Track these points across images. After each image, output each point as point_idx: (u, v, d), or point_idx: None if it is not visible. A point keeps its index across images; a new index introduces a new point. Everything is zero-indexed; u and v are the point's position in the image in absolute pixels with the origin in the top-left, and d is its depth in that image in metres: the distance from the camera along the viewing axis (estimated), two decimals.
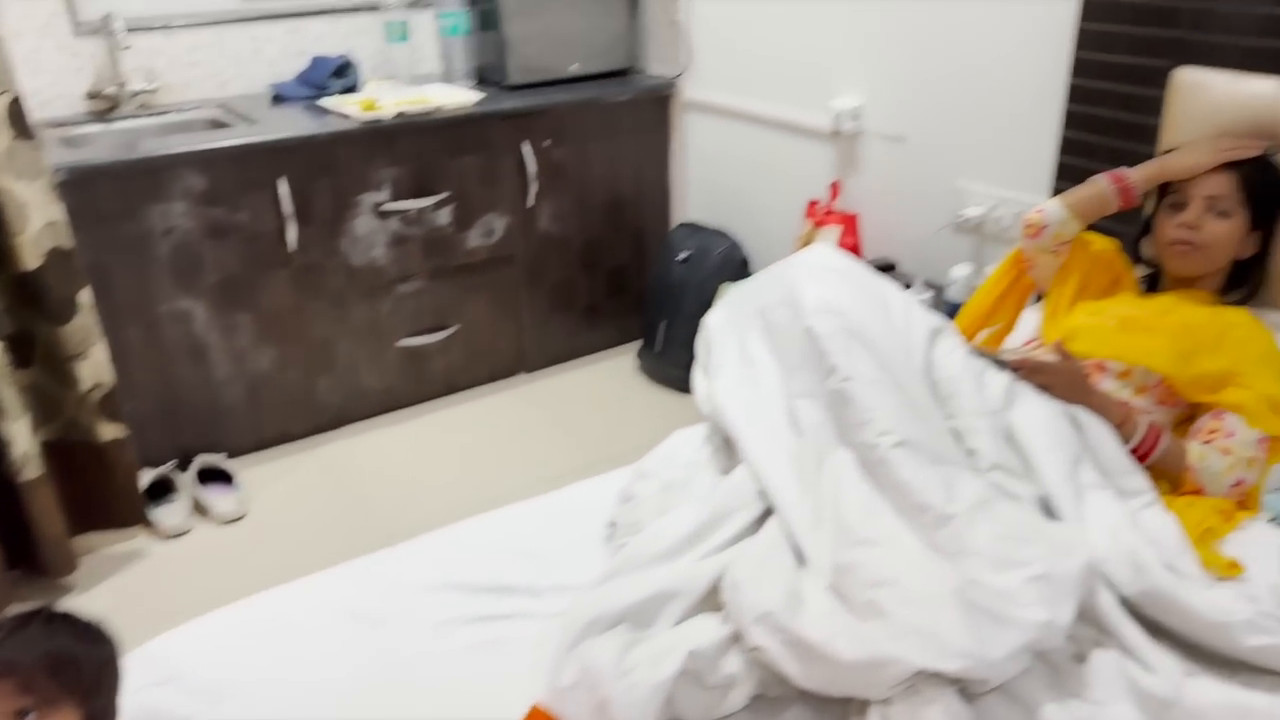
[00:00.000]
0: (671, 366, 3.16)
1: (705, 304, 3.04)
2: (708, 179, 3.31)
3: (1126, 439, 1.60)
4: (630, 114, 3.24)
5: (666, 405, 3.13)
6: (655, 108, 3.30)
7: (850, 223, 2.74)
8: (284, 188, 2.61)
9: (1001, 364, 1.65)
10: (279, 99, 2.97)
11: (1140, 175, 1.81)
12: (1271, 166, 1.75)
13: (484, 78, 3.19)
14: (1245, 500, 1.59)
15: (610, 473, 1.75)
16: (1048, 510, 1.46)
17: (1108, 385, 1.72)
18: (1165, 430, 1.63)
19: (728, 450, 1.65)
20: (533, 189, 3.07)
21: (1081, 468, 1.53)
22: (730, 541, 1.44)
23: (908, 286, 2.36)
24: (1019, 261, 1.98)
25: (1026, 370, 1.64)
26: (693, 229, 3.24)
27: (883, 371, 1.51)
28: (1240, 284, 1.82)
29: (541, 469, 2.78)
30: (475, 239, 3.02)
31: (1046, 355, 1.74)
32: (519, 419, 3.07)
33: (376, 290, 2.89)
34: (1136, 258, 1.93)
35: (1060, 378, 1.63)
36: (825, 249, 1.74)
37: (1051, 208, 1.87)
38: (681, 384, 3.16)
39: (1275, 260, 1.80)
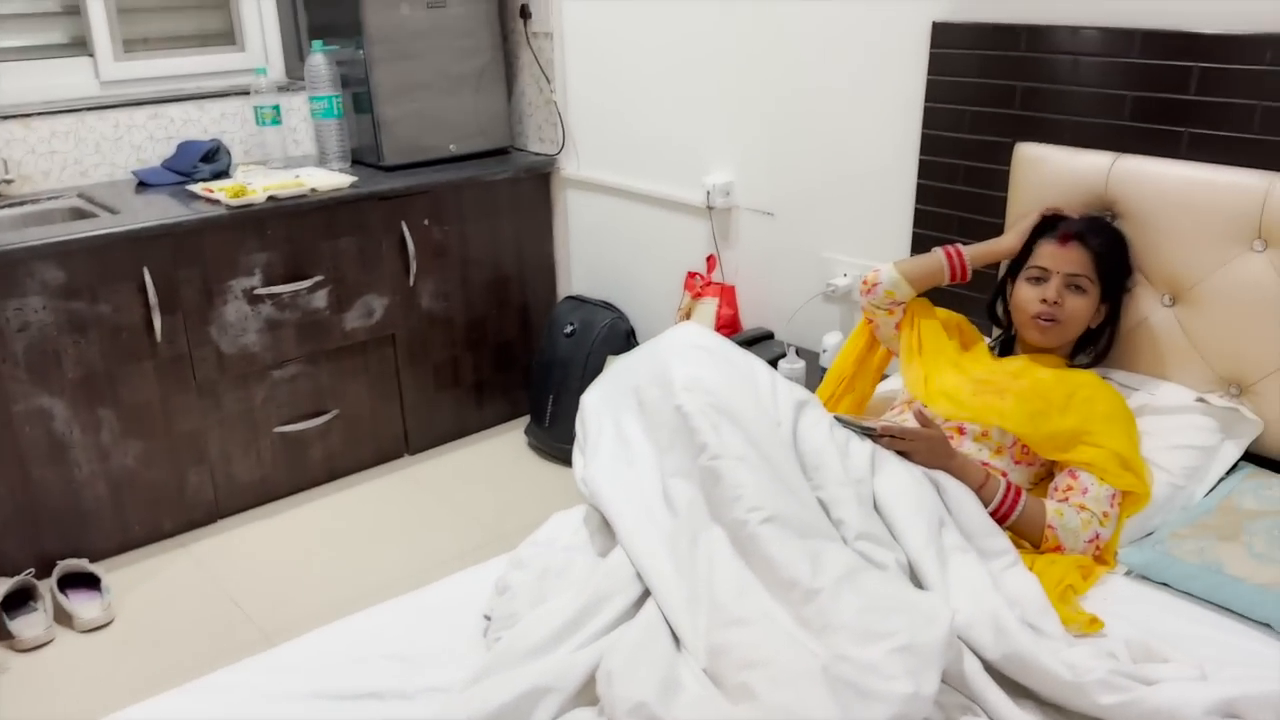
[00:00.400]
0: (561, 441, 3.15)
1: (592, 377, 3.02)
2: (591, 253, 3.35)
3: (987, 501, 1.66)
4: (510, 191, 3.26)
5: (558, 481, 3.11)
6: (535, 185, 3.33)
7: (728, 294, 2.80)
8: (149, 277, 2.53)
9: (865, 432, 1.69)
10: (144, 186, 2.90)
11: (972, 254, 1.95)
12: (1120, 243, 1.86)
13: (360, 159, 3.18)
14: (1102, 555, 1.65)
15: (489, 561, 1.72)
16: (913, 576, 1.49)
17: (968, 447, 1.78)
18: (1024, 491, 1.69)
19: (606, 531, 1.64)
20: (413, 268, 3.05)
21: (945, 531, 1.57)
22: (608, 628, 1.42)
23: (783, 355, 2.41)
24: (869, 327, 2.06)
25: (889, 438, 1.69)
26: (578, 302, 3.26)
27: (751, 447, 1.53)
28: (1086, 347, 1.93)
29: (429, 554, 2.72)
30: (354, 320, 2.98)
31: (908, 421, 1.81)
32: (405, 503, 3.01)
33: (250, 377, 2.81)
34: (993, 318, 2.03)
35: (922, 443, 1.68)
36: (694, 327, 1.77)
37: (885, 269, 1.99)
38: (570, 458, 3.15)
39: (1120, 327, 1.91)
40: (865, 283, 2.02)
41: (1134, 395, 1.88)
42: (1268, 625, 1.46)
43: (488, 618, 1.54)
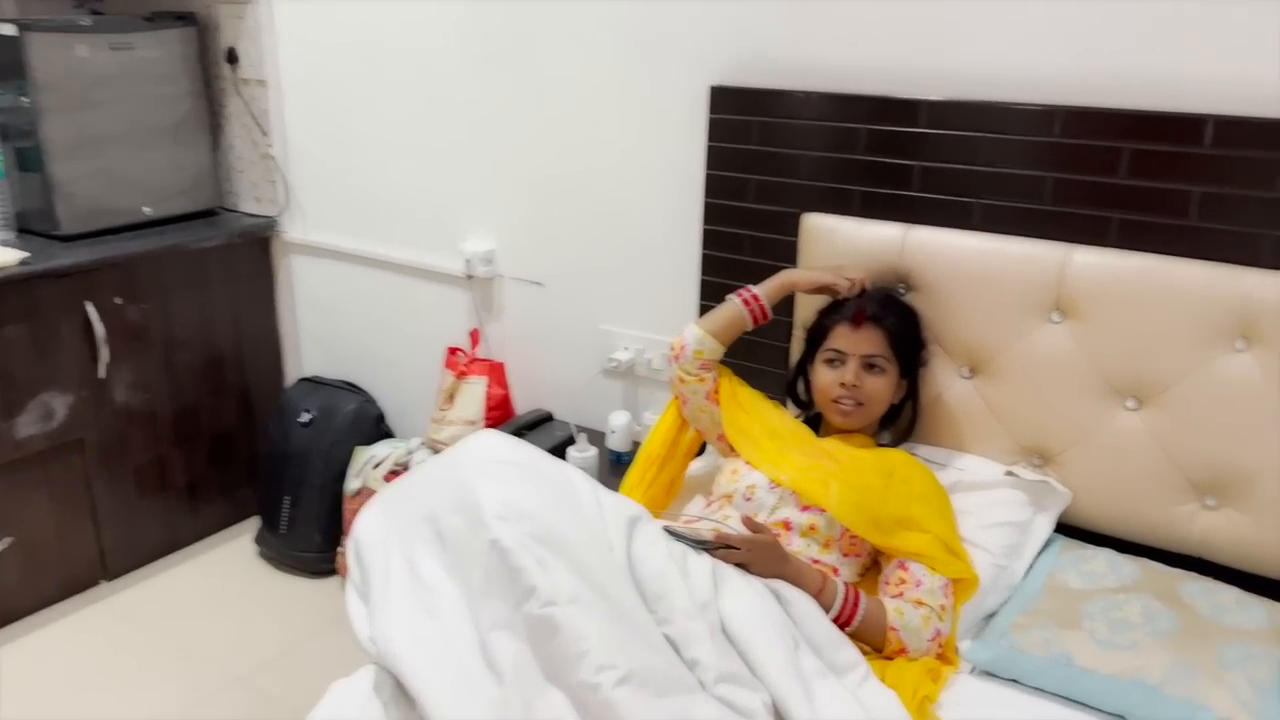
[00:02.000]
0: (302, 549, 2.72)
1: (337, 472, 2.68)
2: (326, 328, 2.96)
3: (827, 607, 1.53)
4: (223, 259, 2.81)
5: (299, 596, 2.67)
6: (252, 251, 2.90)
7: (497, 372, 2.54)
8: None
9: (698, 544, 1.51)
10: None
11: (766, 290, 1.84)
12: (913, 318, 1.82)
13: (28, 227, 2.60)
14: (944, 652, 1.56)
15: None
16: (780, 715, 1.31)
17: (795, 545, 1.65)
18: (861, 591, 1.57)
19: (406, 703, 1.32)
20: (103, 357, 2.52)
21: (801, 654, 1.41)
22: None
23: (570, 441, 2.18)
24: (678, 407, 1.90)
25: (724, 550, 1.51)
26: (314, 385, 2.86)
27: (587, 584, 1.29)
28: (889, 424, 1.87)
29: (143, 707, 2.20)
30: (28, 426, 2.41)
31: (732, 520, 1.65)
32: (106, 644, 2.45)
33: None
34: (794, 398, 1.93)
35: (755, 552, 1.52)
36: (495, 437, 1.50)
37: (689, 330, 1.85)
38: (315, 568, 2.73)
39: (921, 402, 1.86)
40: (673, 349, 1.87)
41: (943, 471, 1.83)
42: (1121, 718, 1.42)
43: None
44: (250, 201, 2.96)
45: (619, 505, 1.47)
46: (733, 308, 1.84)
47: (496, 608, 1.31)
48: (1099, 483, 1.75)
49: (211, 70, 2.85)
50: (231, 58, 2.80)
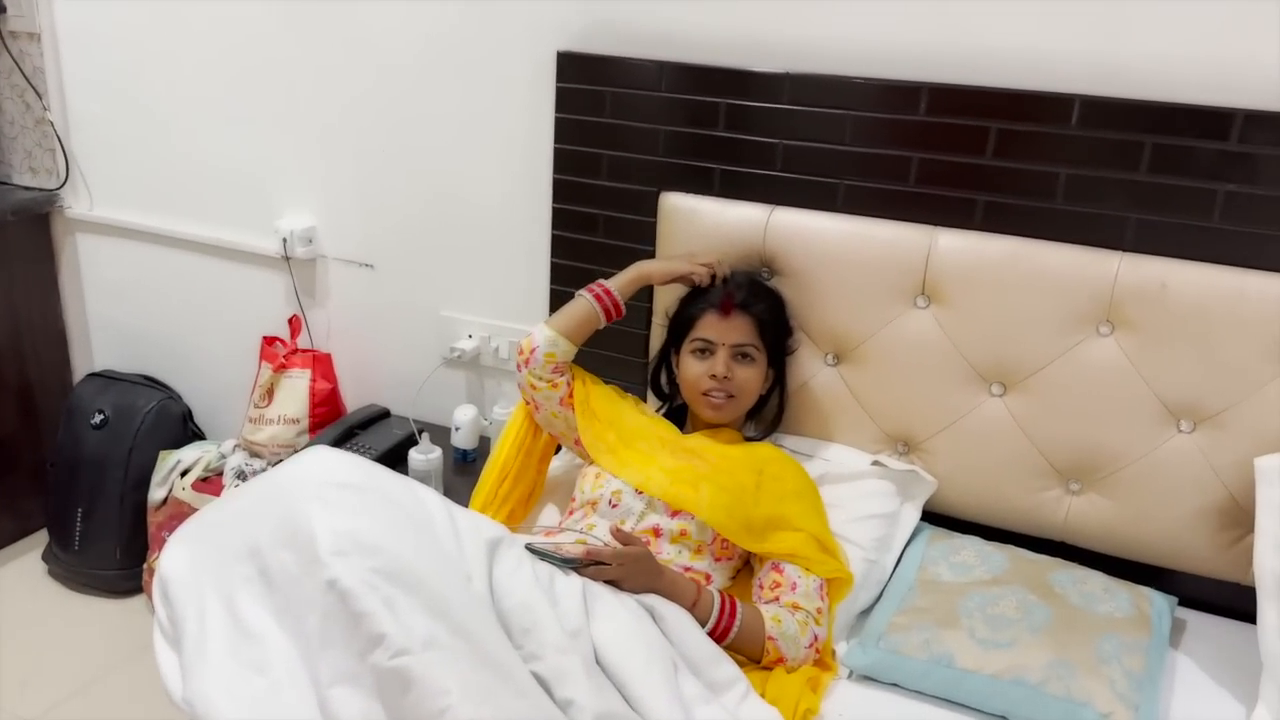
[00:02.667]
0: (98, 566, 2.42)
1: (138, 479, 2.38)
2: (121, 317, 2.61)
3: (702, 620, 1.44)
4: None
5: (99, 620, 2.35)
6: (29, 229, 2.53)
7: (323, 364, 2.29)
8: None
9: (565, 563, 1.37)
10: None
11: (620, 283, 1.71)
12: (781, 304, 1.73)
13: None
14: (821, 658, 1.49)
15: None
16: None
17: (666, 552, 1.54)
18: (737, 600, 1.48)
19: None
20: None
21: (680, 678, 1.30)
22: None
23: (413, 440, 1.99)
24: (527, 410, 1.74)
25: (593, 568, 1.38)
26: (107, 381, 2.53)
27: (446, 626, 1.12)
28: (755, 415, 1.78)
29: None
30: None
31: (599, 530, 1.53)
32: None
33: None
34: (657, 391, 1.82)
35: (627, 567, 1.40)
36: (330, 455, 1.31)
37: (538, 330, 1.69)
38: (117, 587, 2.43)
39: (788, 391, 1.78)
40: (520, 352, 1.70)
41: (810, 463, 1.77)
42: (1003, 718, 1.38)
43: None
44: (24, 173, 2.57)
45: (477, 528, 1.31)
46: (583, 304, 1.69)
47: (338, 659, 1.12)
48: (965, 470, 1.72)
49: None
50: None
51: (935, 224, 1.67)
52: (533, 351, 1.67)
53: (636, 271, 1.73)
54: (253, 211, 2.31)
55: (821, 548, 1.56)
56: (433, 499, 1.31)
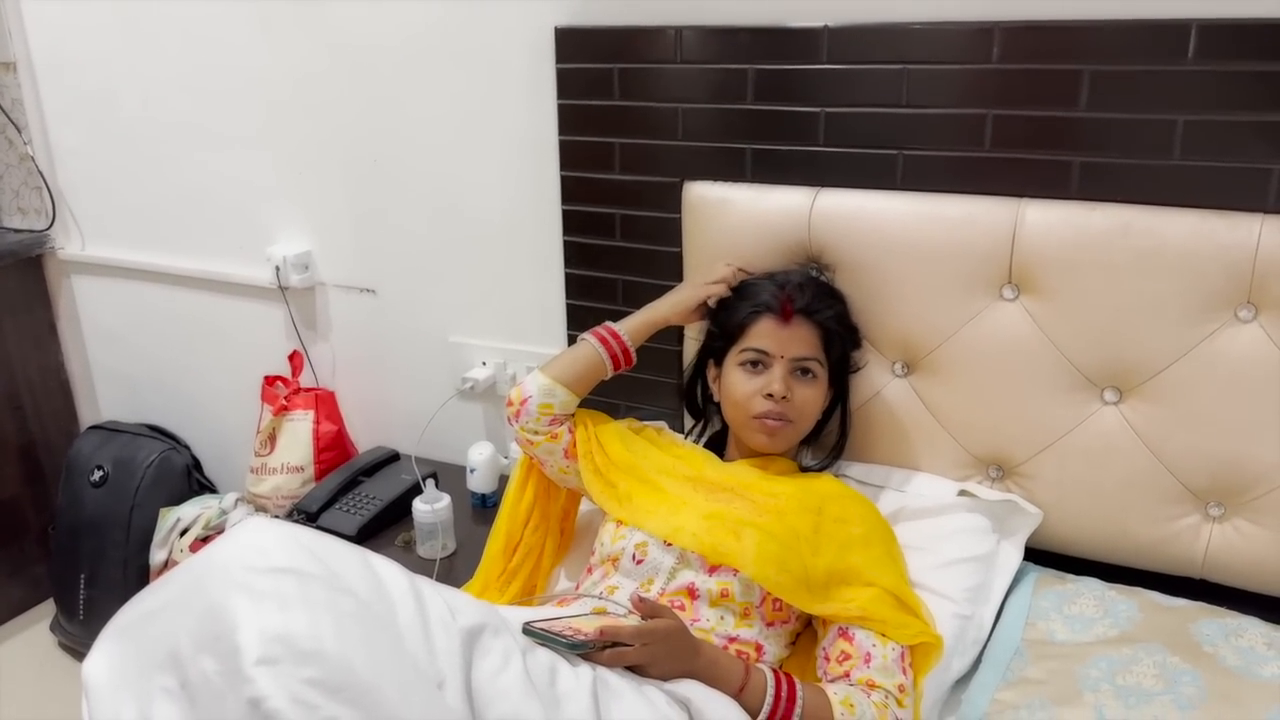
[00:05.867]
0: None
1: (141, 541, 2.17)
2: (123, 363, 2.43)
3: (754, 709, 1.15)
4: None
5: None
6: (21, 275, 2.36)
7: (326, 403, 2.06)
8: None
9: (574, 646, 1.09)
10: None
11: (630, 330, 1.46)
12: (848, 311, 1.43)
13: None
14: None
15: None
16: None
17: (705, 619, 1.25)
18: (795, 680, 1.18)
19: None
20: None
21: None
22: None
23: (416, 490, 1.73)
24: (531, 465, 1.48)
25: (611, 650, 1.10)
26: (107, 434, 2.33)
27: None
28: (812, 440, 1.48)
29: None
30: None
31: (620, 594, 1.25)
32: None
33: None
34: (691, 409, 1.53)
35: (653, 646, 1.12)
36: (262, 528, 1.04)
37: (531, 379, 1.44)
38: None
39: (851, 412, 1.48)
40: (510, 404, 1.44)
41: (881, 496, 1.47)
42: None
43: None
44: (13, 215, 2.40)
45: (453, 612, 1.04)
46: (586, 349, 1.43)
47: None
48: (1075, 497, 1.40)
49: None
50: None
51: (1021, 195, 1.36)
52: (524, 403, 1.41)
53: (644, 315, 1.47)
54: (243, 239, 2.10)
55: (900, 605, 1.25)
56: (396, 581, 1.04)
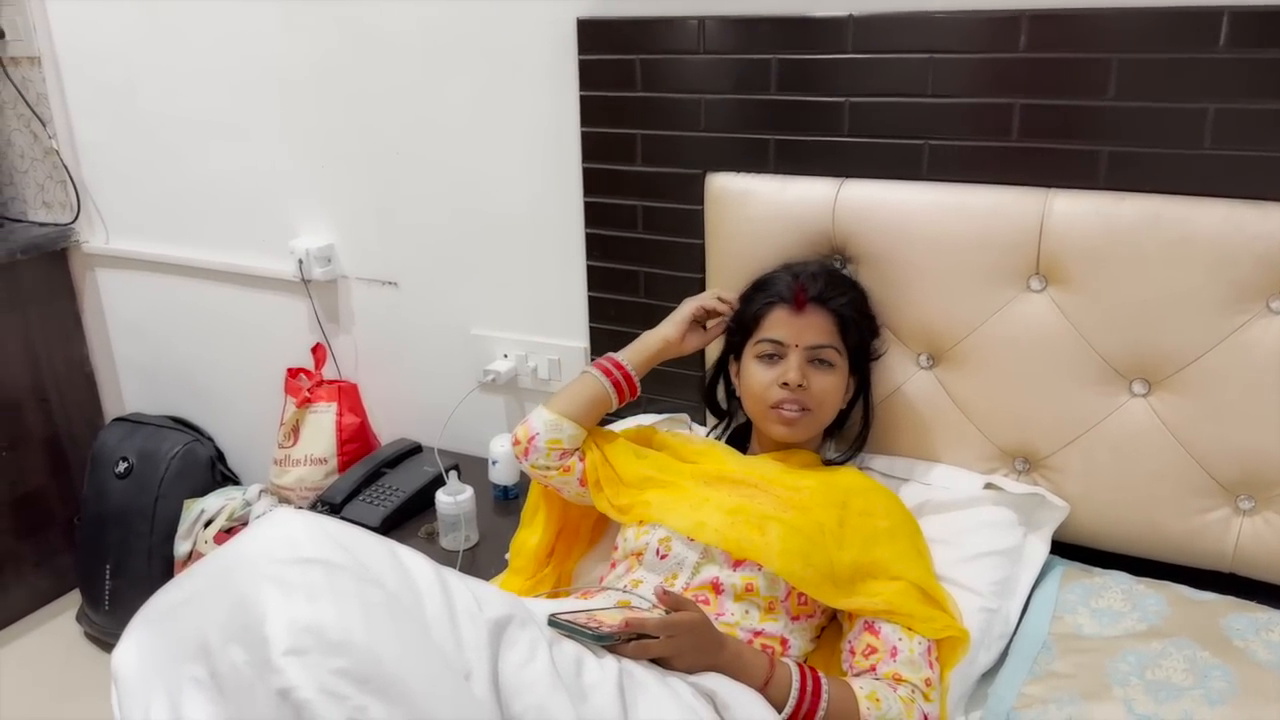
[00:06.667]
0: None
1: (166, 531, 2.18)
2: (147, 354, 2.44)
3: (779, 704, 1.14)
4: (7, 281, 2.28)
5: None
6: (46, 267, 2.37)
7: (349, 395, 2.07)
8: None
9: (600, 639, 1.09)
10: None
11: (634, 360, 1.46)
12: (864, 299, 1.43)
13: None
14: None
15: None
16: None
17: (730, 614, 1.24)
18: (820, 675, 1.17)
19: None
20: None
21: None
22: None
23: (439, 481, 1.74)
24: (546, 495, 1.49)
25: (636, 643, 1.09)
26: (132, 426, 2.35)
27: None
28: (834, 433, 1.48)
29: None
30: None
31: (643, 589, 1.25)
32: None
33: None
34: (712, 406, 1.53)
35: (678, 639, 1.12)
36: (291, 520, 1.04)
37: (536, 416, 1.43)
38: None
39: (874, 403, 1.47)
40: (517, 442, 1.43)
41: (906, 489, 1.46)
42: None
43: None
44: (38, 208, 2.42)
45: (480, 603, 1.04)
46: (589, 382, 1.43)
47: None
48: (1103, 490, 1.38)
49: None
50: None
51: (1048, 185, 1.34)
52: (531, 440, 1.41)
53: (643, 340, 1.47)
54: (267, 232, 2.10)
55: (926, 599, 1.25)
56: (424, 572, 1.04)
